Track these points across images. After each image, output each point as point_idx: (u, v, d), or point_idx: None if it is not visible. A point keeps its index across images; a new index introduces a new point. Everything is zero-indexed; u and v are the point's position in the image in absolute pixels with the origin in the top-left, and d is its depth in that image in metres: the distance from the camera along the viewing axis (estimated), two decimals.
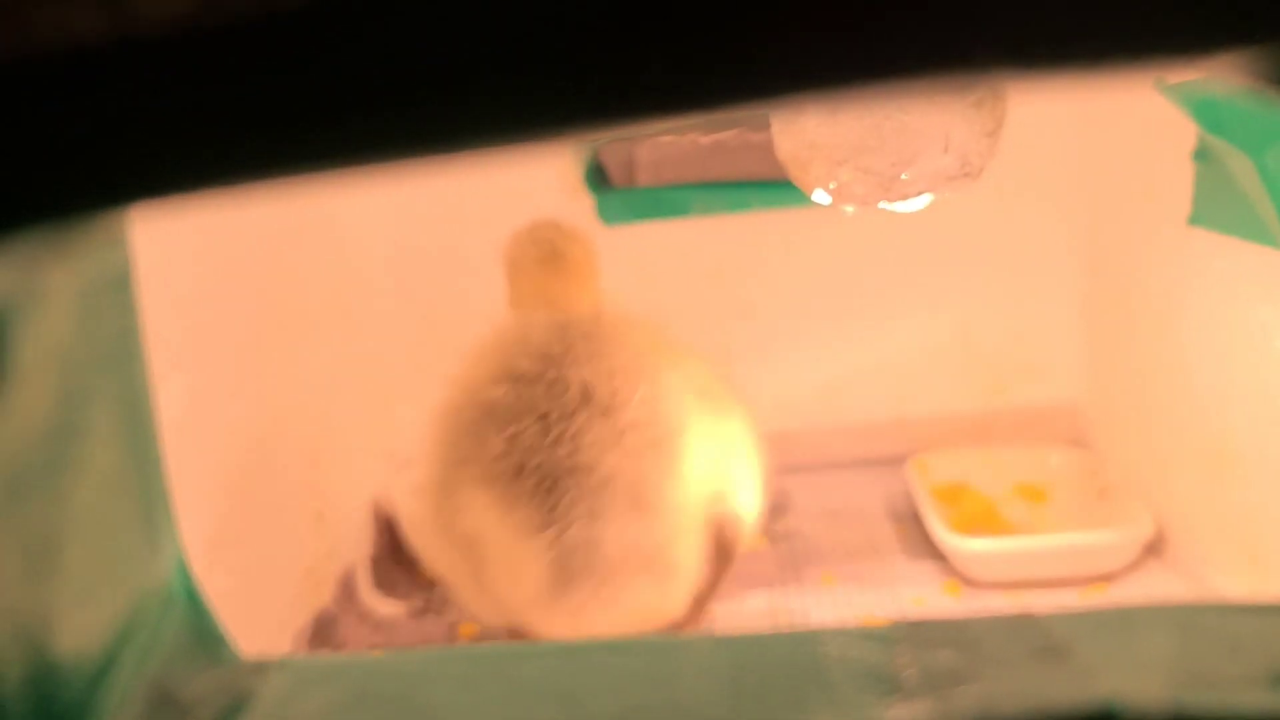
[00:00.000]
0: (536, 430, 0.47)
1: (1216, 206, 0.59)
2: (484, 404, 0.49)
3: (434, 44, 0.15)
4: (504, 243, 0.60)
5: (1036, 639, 0.23)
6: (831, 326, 0.83)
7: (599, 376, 0.48)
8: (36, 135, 0.16)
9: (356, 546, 0.72)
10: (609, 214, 0.81)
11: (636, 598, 0.48)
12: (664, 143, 0.80)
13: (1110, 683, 0.21)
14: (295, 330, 0.67)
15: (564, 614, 0.47)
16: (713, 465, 0.51)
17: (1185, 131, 0.60)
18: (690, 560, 0.50)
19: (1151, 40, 0.15)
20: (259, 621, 0.58)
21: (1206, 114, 0.53)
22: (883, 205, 0.57)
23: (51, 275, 0.20)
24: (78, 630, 0.21)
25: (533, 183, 0.80)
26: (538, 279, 0.57)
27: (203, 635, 0.25)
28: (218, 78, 0.16)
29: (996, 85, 0.55)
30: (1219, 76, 0.16)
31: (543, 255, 0.57)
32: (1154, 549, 0.67)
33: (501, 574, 0.49)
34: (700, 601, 0.61)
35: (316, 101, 0.16)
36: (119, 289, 0.23)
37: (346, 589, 0.68)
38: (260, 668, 0.24)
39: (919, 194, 0.57)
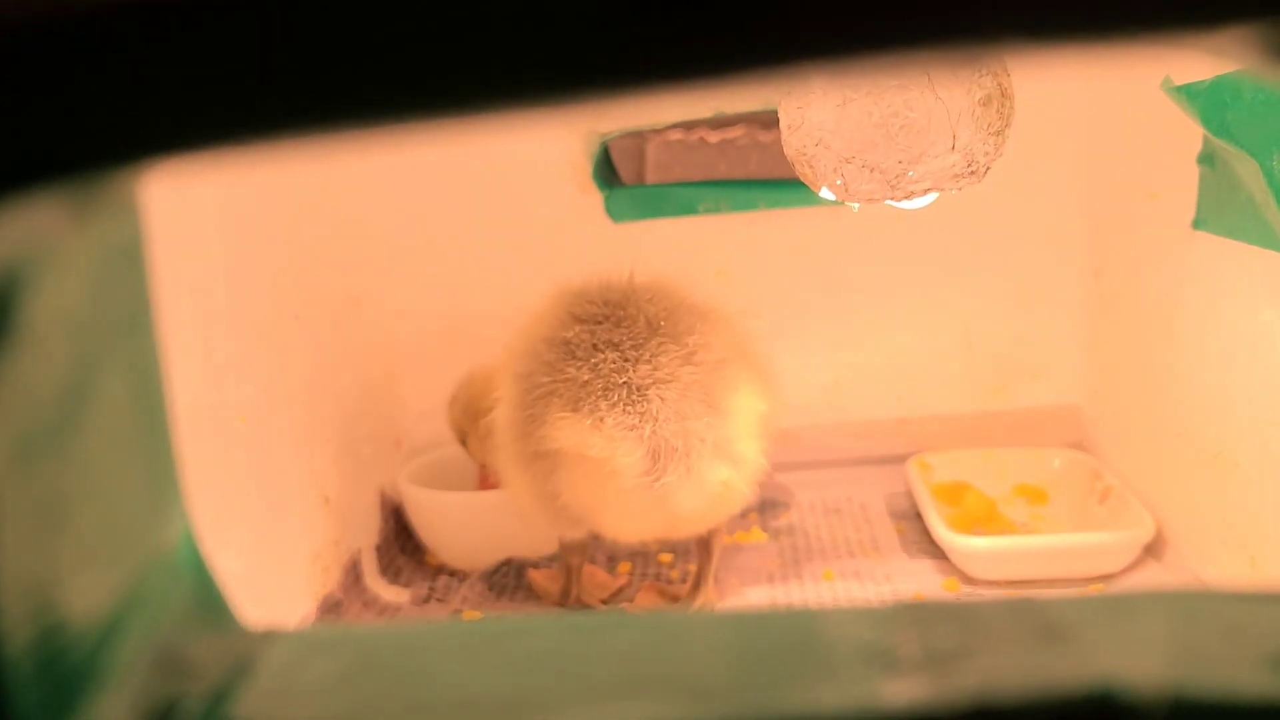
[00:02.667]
0: (615, 358, 0.55)
1: (1221, 210, 0.59)
2: (560, 343, 0.56)
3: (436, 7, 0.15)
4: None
5: (1036, 620, 0.23)
6: (835, 326, 0.83)
7: (661, 313, 0.57)
8: (52, 94, 0.17)
9: (363, 533, 0.72)
10: (617, 211, 0.81)
11: (715, 477, 0.56)
12: (673, 141, 0.80)
13: (1108, 661, 0.21)
14: (307, 317, 0.67)
15: (654, 499, 0.55)
16: (760, 390, 0.59)
17: (1191, 135, 0.60)
18: (752, 455, 0.58)
19: (1160, 11, 0.15)
20: (266, 604, 0.58)
21: (1213, 117, 0.53)
22: (889, 203, 0.57)
23: (66, 239, 0.20)
24: (85, 592, 0.21)
25: (543, 182, 0.81)
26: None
27: (209, 604, 0.25)
28: (231, 38, 0.16)
29: (1005, 84, 0.55)
30: (1227, 52, 0.16)
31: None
32: (1154, 551, 0.67)
33: (590, 478, 0.55)
34: (701, 578, 0.65)
35: (323, 61, 0.16)
36: (132, 258, 0.23)
37: (353, 575, 0.69)
38: (265, 636, 0.24)
39: (925, 192, 0.57)
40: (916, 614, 0.23)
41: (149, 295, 0.24)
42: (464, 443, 0.71)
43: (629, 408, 0.54)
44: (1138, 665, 0.20)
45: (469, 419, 0.69)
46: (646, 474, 0.54)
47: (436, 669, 0.23)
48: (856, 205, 0.58)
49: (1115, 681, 0.20)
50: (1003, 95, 0.55)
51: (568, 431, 0.55)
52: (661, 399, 0.54)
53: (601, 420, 0.54)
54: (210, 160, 0.18)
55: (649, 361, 0.55)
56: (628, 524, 0.59)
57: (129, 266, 0.23)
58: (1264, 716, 0.20)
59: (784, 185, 0.79)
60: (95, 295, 0.22)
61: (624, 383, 0.55)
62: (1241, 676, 0.20)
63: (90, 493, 0.22)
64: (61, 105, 0.17)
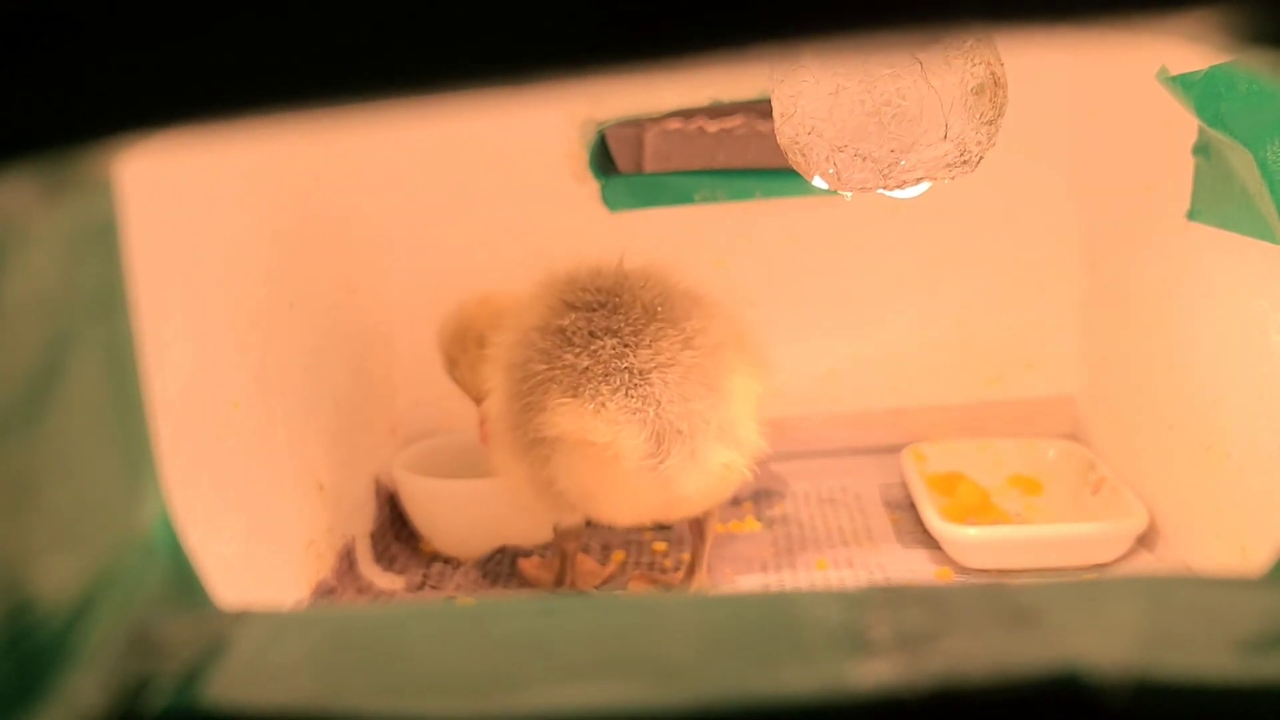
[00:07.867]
0: (614, 344, 0.55)
1: (1216, 201, 0.59)
2: (555, 331, 0.56)
3: None
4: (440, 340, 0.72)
5: (1007, 604, 0.23)
6: (831, 316, 0.83)
7: (656, 299, 0.57)
8: (21, 71, 0.17)
9: (358, 520, 0.72)
10: (614, 200, 0.81)
11: (717, 459, 0.56)
12: (671, 130, 0.80)
13: (1076, 644, 0.21)
14: (302, 304, 0.67)
15: (656, 483, 0.55)
16: (755, 372, 0.59)
17: (1186, 126, 0.60)
18: (751, 437, 0.58)
19: None
20: (260, 590, 0.58)
21: (1207, 108, 0.53)
22: (881, 192, 0.57)
23: (37, 218, 0.20)
24: (56, 571, 0.21)
25: (540, 171, 0.81)
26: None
27: (183, 585, 0.25)
28: (204, 14, 0.16)
29: (998, 72, 0.55)
30: (1194, 35, 0.16)
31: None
32: (1146, 541, 0.67)
33: (590, 463, 0.55)
34: (695, 563, 0.66)
35: (304, 38, 0.16)
36: (105, 237, 0.23)
37: (347, 562, 0.69)
38: (238, 616, 0.24)
39: (917, 181, 0.57)
40: (889, 597, 0.23)
41: (123, 275, 0.24)
42: (452, 372, 0.71)
43: (631, 392, 0.54)
44: (1105, 648, 0.20)
45: (459, 345, 0.69)
46: (650, 457, 0.54)
47: (409, 649, 0.23)
48: (849, 194, 0.57)
49: (1081, 664, 0.20)
50: (995, 84, 0.54)
51: (569, 417, 0.54)
52: (664, 383, 0.54)
53: (604, 405, 0.54)
54: (185, 138, 0.18)
55: (649, 346, 0.55)
56: (626, 507, 0.59)
57: (102, 246, 0.23)
58: (1230, 699, 0.20)
59: (781, 174, 0.79)
60: (67, 274, 0.22)
61: (625, 368, 0.55)
62: (1209, 660, 0.20)
63: (62, 472, 0.22)
64: (30, 82, 0.17)
